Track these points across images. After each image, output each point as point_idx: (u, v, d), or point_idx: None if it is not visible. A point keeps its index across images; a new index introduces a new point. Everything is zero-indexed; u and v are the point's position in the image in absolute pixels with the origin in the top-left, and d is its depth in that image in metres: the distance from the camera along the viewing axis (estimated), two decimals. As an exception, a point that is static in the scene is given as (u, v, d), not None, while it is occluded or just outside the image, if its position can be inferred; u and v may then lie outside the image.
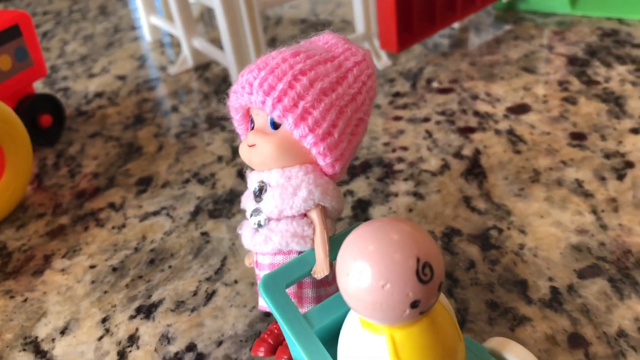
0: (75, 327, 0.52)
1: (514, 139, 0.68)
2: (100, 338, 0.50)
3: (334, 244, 0.39)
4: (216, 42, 0.99)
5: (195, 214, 0.63)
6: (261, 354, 0.42)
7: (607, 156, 0.63)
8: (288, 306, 0.37)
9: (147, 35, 1.08)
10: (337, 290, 0.40)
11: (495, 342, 0.38)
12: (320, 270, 0.38)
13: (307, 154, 0.39)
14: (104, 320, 0.52)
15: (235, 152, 0.73)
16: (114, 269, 0.57)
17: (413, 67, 0.87)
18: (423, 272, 0.29)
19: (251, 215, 0.40)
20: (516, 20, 0.98)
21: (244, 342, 0.48)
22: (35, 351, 0.50)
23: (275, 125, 0.39)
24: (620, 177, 0.60)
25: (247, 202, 0.42)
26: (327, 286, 0.41)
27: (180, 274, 0.55)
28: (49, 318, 0.53)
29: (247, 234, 0.41)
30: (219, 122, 0.79)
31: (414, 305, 0.29)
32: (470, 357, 0.36)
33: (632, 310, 0.46)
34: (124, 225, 0.63)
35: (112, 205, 0.66)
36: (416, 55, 0.91)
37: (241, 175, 0.68)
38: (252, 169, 0.42)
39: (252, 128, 0.41)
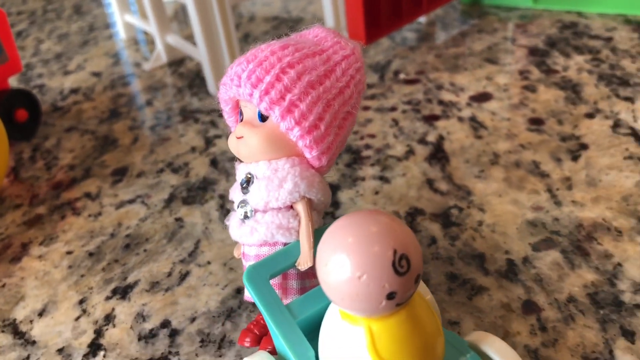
0: (52, 309, 0.53)
1: (475, 125, 0.71)
2: (78, 318, 0.52)
3: (320, 237, 0.38)
4: (189, 39, 1.01)
5: (169, 201, 0.65)
6: (247, 345, 0.43)
7: (563, 139, 0.67)
8: (271, 297, 0.37)
9: (121, 33, 1.10)
10: None
11: (475, 336, 0.38)
12: (304, 261, 0.38)
13: (293, 146, 0.39)
14: (81, 302, 0.54)
15: (208, 142, 0.75)
16: (91, 254, 0.59)
17: (381, 59, 0.90)
18: (400, 264, 0.29)
19: (238, 207, 0.41)
20: (481, 14, 1.01)
21: (216, 318, 0.50)
22: (14, 332, 0.51)
23: (262, 118, 0.39)
24: (575, 158, 0.63)
25: (234, 193, 0.42)
26: (312, 278, 0.42)
27: (155, 257, 0.57)
28: (27, 301, 0.54)
29: (234, 225, 0.41)
30: (192, 114, 0.81)
31: (390, 296, 0.29)
32: (450, 350, 0.36)
33: (582, 278, 0.49)
34: (100, 213, 0.65)
35: (88, 195, 0.68)
36: (384, 49, 0.94)
37: (214, 164, 0.70)
38: (241, 161, 0.42)
39: (241, 120, 0.41)
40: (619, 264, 0.50)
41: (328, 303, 0.37)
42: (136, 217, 0.63)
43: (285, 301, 0.41)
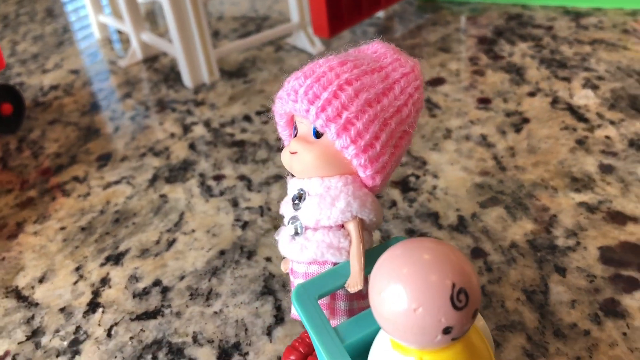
0: (51, 276, 0.58)
1: (430, 106, 0.78)
2: (75, 282, 0.57)
3: (370, 258, 0.38)
4: (162, 37, 1.07)
5: (153, 180, 0.71)
6: None
7: (508, 115, 0.74)
8: (319, 318, 0.36)
9: (96, 33, 1.15)
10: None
11: None
12: (354, 284, 0.37)
13: (348, 164, 0.38)
14: (77, 269, 0.59)
15: (186, 128, 0.80)
16: (83, 229, 0.64)
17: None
18: (458, 298, 0.28)
19: (289, 222, 0.40)
20: (435, 9, 1.09)
21: (203, 275, 0.56)
22: (17, 297, 0.56)
23: (317, 134, 0.38)
24: (518, 131, 0.71)
25: (285, 208, 0.41)
26: (361, 299, 0.41)
27: (143, 228, 0.63)
28: (26, 271, 0.60)
29: (284, 241, 0.40)
30: (169, 104, 0.87)
31: (446, 331, 0.28)
32: None
33: (522, 228, 0.57)
34: (88, 194, 0.70)
35: (76, 179, 0.73)
36: (346, 42, 1.01)
37: (192, 147, 0.76)
38: (293, 175, 0.41)
39: (296, 135, 0.40)
40: (554, 215, 0.58)
41: (377, 328, 0.36)
42: (123, 196, 0.69)
43: (333, 322, 0.40)
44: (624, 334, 0.45)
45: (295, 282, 0.40)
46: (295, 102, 0.38)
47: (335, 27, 0.92)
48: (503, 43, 0.93)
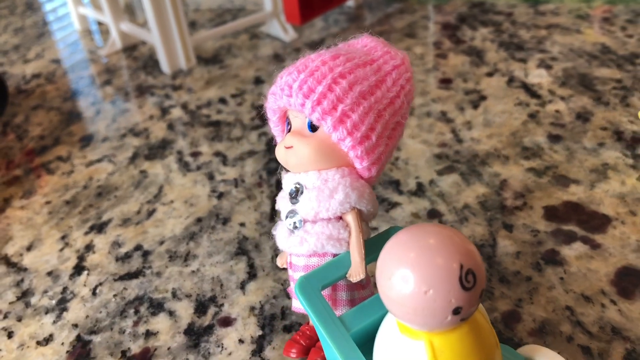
0: (38, 244, 0.62)
1: (395, 86, 0.83)
2: (61, 249, 0.61)
3: (369, 248, 0.40)
4: (140, 26, 1.10)
5: (133, 158, 0.75)
6: (293, 356, 0.44)
7: (467, 93, 0.79)
8: (324, 308, 0.37)
9: (76, 24, 1.18)
10: (371, 293, 0.43)
11: (529, 350, 0.38)
12: (355, 273, 0.38)
13: (344, 156, 0.39)
14: (62, 238, 0.63)
15: (164, 111, 0.84)
16: (67, 202, 0.68)
17: (316, 38, 1.02)
18: (466, 279, 0.29)
19: (287, 217, 0.40)
20: (403, -2, 1.14)
21: (181, 240, 0.60)
22: (7, 263, 0.60)
23: (313, 128, 0.39)
24: (475, 107, 0.76)
25: (282, 203, 0.42)
26: (361, 289, 0.42)
27: (125, 200, 0.67)
28: (15, 240, 0.63)
29: (282, 235, 0.41)
30: (148, 89, 0.91)
31: (456, 311, 0.29)
32: None
33: (475, 192, 0.62)
34: (72, 171, 0.74)
35: (60, 158, 0.77)
36: (318, 30, 1.05)
37: (171, 127, 0.80)
38: (287, 170, 0.42)
39: (289, 130, 0.41)
40: (505, 180, 0.63)
41: (381, 315, 0.37)
42: (105, 172, 0.73)
43: (336, 313, 0.41)
44: (561, 278, 0.50)
45: (295, 275, 0.41)
46: (289, 96, 0.38)
47: (307, 15, 0.97)
48: (465, 29, 0.98)
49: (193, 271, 0.56)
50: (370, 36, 0.43)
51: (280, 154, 0.41)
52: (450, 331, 0.30)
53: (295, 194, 0.40)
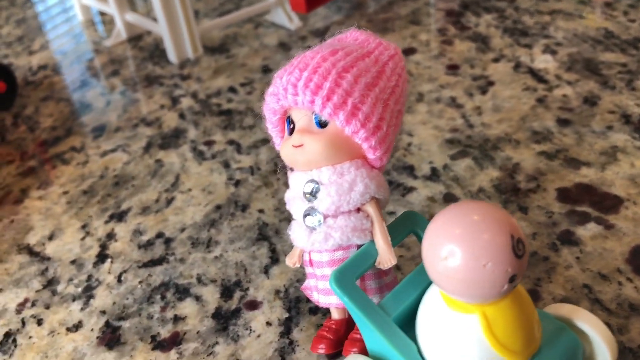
0: (60, 234, 0.63)
1: (404, 73, 0.84)
2: (83, 238, 0.62)
3: (391, 234, 0.41)
4: (144, 16, 1.10)
5: (147, 147, 0.75)
6: (322, 351, 0.44)
7: (475, 79, 0.81)
8: (363, 298, 0.38)
9: (79, 15, 1.18)
10: (394, 279, 0.44)
11: (556, 308, 0.39)
12: (386, 260, 0.39)
13: (356, 149, 0.39)
14: (83, 227, 0.64)
15: (174, 100, 0.85)
16: (85, 192, 0.69)
17: (320, 26, 1.02)
18: (518, 248, 0.31)
19: (306, 215, 0.41)
20: (405, -15, 1.15)
21: (202, 227, 0.61)
22: (30, 253, 0.61)
23: (321, 124, 0.39)
24: (484, 92, 0.77)
25: (294, 203, 0.42)
26: (385, 276, 0.43)
27: (143, 189, 0.68)
28: (35, 230, 0.64)
29: (302, 234, 0.41)
30: (157, 79, 0.92)
31: (511, 280, 0.31)
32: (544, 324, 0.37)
33: (489, 175, 0.63)
34: (87, 162, 0.74)
35: (73, 148, 0.77)
36: (322, 17, 1.06)
37: (182, 117, 0.81)
38: (292, 170, 0.42)
39: (292, 129, 0.41)
40: (517, 164, 0.64)
41: (416, 297, 0.38)
42: (120, 162, 0.73)
43: None
44: (577, 258, 0.52)
45: (319, 271, 0.42)
46: (295, 95, 0.38)
47: (312, 3, 0.97)
48: (469, 15, 0.99)
49: (216, 257, 0.57)
50: (358, 29, 0.43)
51: (287, 153, 0.41)
52: (500, 301, 0.32)
53: (313, 192, 0.40)
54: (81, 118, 0.84)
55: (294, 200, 0.42)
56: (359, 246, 0.41)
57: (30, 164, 0.76)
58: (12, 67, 1.02)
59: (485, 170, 0.64)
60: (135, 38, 1.07)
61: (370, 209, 0.40)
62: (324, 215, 0.40)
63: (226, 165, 0.70)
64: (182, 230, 0.61)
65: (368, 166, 0.41)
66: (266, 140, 0.74)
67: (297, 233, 0.42)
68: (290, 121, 0.41)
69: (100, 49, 1.05)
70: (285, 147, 0.41)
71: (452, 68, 0.84)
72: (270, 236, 0.59)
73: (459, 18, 0.98)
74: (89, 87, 0.92)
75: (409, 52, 0.90)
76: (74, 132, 0.81)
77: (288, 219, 0.60)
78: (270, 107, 0.42)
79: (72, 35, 1.12)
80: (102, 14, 1.21)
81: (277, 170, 0.67)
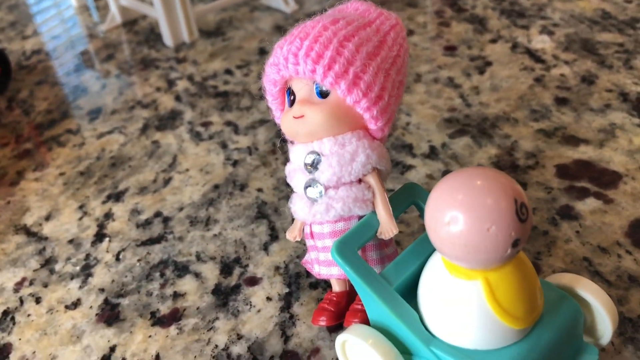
0: (57, 214, 0.63)
1: (401, 54, 0.84)
2: (80, 218, 0.62)
3: (392, 205, 0.41)
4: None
5: (144, 129, 0.75)
6: (323, 323, 0.44)
7: (472, 59, 0.80)
8: (365, 268, 0.38)
9: (72, 0, 1.17)
10: (395, 250, 0.44)
11: (559, 277, 0.39)
12: (388, 230, 0.39)
13: (357, 119, 0.39)
14: (80, 207, 0.63)
15: (170, 83, 0.85)
16: (82, 173, 0.68)
17: (317, 9, 1.02)
18: (521, 212, 0.31)
19: (307, 187, 0.40)
20: (401, -31, 1.15)
21: (200, 206, 0.61)
22: (27, 233, 0.61)
23: (322, 94, 0.39)
24: (482, 72, 0.77)
25: (295, 176, 0.42)
26: (386, 248, 0.43)
27: (140, 170, 0.67)
28: (32, 211, 0.64)
29: (303, 206, 0.41)
30: (152, 62, 0.91)
31: (514, 244, 0.31)
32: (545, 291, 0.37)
33: (487, 153, 0.63)
34: (83, 143, 0.74)
35: (69, 131, 0.77)
36: (319, 1, 1.05)
37: (178, 99, 0.80)
38: (292, 143, 0.42)
39: (292, 100, 0.40)
40: (515, 141, 0.64)
41: (418, 267, 0.39)
42: (117, 143, 0.73)
43: None
44: (577, 232, 0.52)
45: (319, 243, 0.42)
46: (296, 64, 0.38)
47: (308, -14, 0.97)
48: (466, -3, 0.99)
49: (215, 235, 0.57)
50: (358, 0, 0.43)
51: (288, 125, 0.40)
52: (502, 266, 0.32)
53: (314, 163, 0.40)
54: (76, 101, 0.83)
55: (295, 172, 0.42)
56: (360, 217, 0.41)
57: (25, 146, 0.75)
58: (5, 52, 1.01)
59: (484, 148, 0.64)
60: (130, 22, 1.06)
61: (372, 180, 0.40)
62: (325, 187, 0.40)
63: (224, 145, 0.70)
64: (180, 209, 0.61)
65: (369, 137, 0.40)
66: (264, 121, 0.73)
67: (298, 205, 0.42)
68: (290, 92, 0.41)
69: (95, 33, 1.04)
70: (285, 119, 0.41)
71: (450, 49, 0.84)
72: (269, 214, 0.58)
73: (456, 0, 0.98)
74: (84, 72, 0.92)
75: (407, 33, 0.89)
76: (69, 115, 0.80)
77: (287, 197, 0.60)
78: (271, 78, 0.42)
79: (65, 21, 1.11)
80: (96, -1, 1.20)
81: (277, 147, 0.67)
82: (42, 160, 0.72)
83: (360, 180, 0.40)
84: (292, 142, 0.43)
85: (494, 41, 0.84)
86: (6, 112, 0.83)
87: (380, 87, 0.39)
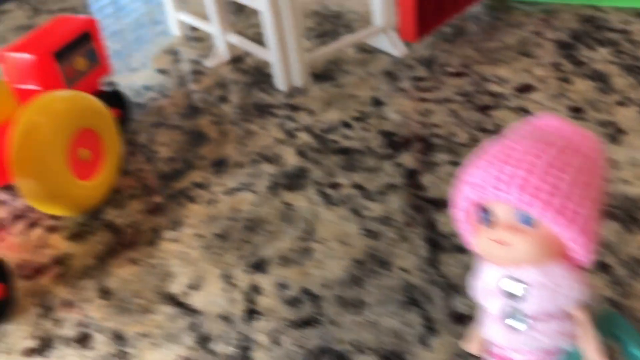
0: (202, 282, 0.64)
1: (525, 114, 0.83)
2: (226, 290, 0.63)
3: None
4: (244, 34, 1.10)
5: (273, 188, 0.75)
6: None
7: (602, 124, 0.79)
8: None
9: (174, 30, 1.18)
10: None
11: None
12: None
13: (562, 248, 0.38)
14: (224, 276, 0.64)
15: (289, 134, 0.85)
16: (219, 236, 0.69)
17: (426, 54, 1.01)
18: None
19: (507, 315, 0.40)
20: (506, 9, 1.12)
21: (345, 284, 0.61)
22: (175, 303, 0.62)
23: (527, 221, 0.38)
24: (613, 141, 0.75)
25: (487, 296, 0.41)
26: None
27: (277, 235, 0.68)
28: (176, 278, 0.65)
29: (498, 330, 0.40)
30: (267, 109, 0.91)
31: None
32: None
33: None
34: (214, 200, 0.75)
35: (197, 185, 0.78)
36: (426, 44, 1.04)
37: (301, 154, 0.81)
38: (485, 261, 0.41)
39: (487, 219, 0.39)
40: None
41: None
42: (247, 203, 0.74)
43: None
44: None
45: None
46: (508, 194, 0.37)
47: (422, 31, 0.96)
48: (582, 47, 0.96)
49: (369, 322, 0.57)
50: (548, 114, 0.42)
51: (486, 247, 0.39)
52: None
53: (516, 293, 0.39)
54: (197, 149, 0.85)
55: (487, 294, 0.41)
56: (562, 350, 0.40)
57: (155, 199, 0.76)
58: (123, 94, 1.01)
59: (636, 236, 0.62)
60: (236, 59, 1.06)
61: (581, 315, 0.39)
62: (528, 317, 0.39)
63: (356, 212, 0.70)
64: (326, 286, 0.61)
65: (575, 267, 0.39)
66: (392, 186, 0.73)
67: (493, 330, 0.41)
68: (485, 209, 0.39)
69: (201, 69, 1.05)
70: (483, 240, 0.39)
71: (575, 111, 0.82)
72: (421, 301, 0.58)
73: (571, 51, 0.96)
74: (199, 114, 0.92)
75: (526, 89, 0.88)
76: (193, 166, 0.81)
77: (434, 282, 0.60)
78: (468, 196, 0.40)
79: (170, 53, 1.13)
80: (194, 29, 1.21)
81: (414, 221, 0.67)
82: (176, 218, 0.73)
83: (565, 313, 0.39)
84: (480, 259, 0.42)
85: (621, 104, 0.82)
86: (130, 157, 0.85)
87: (594, 220, 0.38)
